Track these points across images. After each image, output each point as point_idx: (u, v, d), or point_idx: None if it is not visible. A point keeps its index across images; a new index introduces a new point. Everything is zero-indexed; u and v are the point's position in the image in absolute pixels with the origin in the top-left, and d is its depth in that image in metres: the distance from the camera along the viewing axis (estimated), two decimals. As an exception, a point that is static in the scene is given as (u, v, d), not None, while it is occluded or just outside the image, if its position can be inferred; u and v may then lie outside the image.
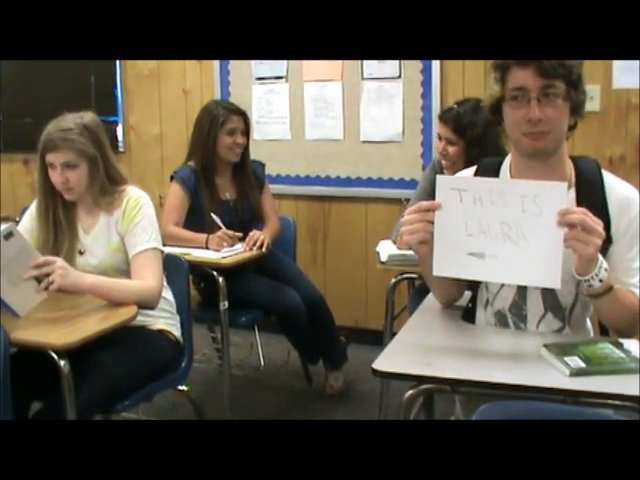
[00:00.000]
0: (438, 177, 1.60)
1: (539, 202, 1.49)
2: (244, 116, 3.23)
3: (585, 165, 1.75)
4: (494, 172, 1.80)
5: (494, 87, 1.68)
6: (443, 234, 1.58)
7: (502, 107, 1.69)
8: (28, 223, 2.34)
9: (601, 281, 1.55)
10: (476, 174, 1.84)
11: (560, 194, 1.50)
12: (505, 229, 1.53)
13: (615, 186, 1.72)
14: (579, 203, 1.69)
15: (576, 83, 1.63)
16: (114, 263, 2.28)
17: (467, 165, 2.00)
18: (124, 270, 2.26)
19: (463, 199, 1.55)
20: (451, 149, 2.78)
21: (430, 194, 1.61)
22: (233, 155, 3.19)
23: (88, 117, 2.27)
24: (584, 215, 1.48)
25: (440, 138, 2.85)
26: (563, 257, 1.50)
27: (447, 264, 1.60)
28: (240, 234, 3.05)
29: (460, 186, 1.56)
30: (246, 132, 3.23)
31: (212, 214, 3.05)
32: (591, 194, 1.70)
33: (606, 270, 1.55)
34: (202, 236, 3.04)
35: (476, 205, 1.54)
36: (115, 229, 2.28)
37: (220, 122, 3.14)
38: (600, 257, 1.54)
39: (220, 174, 3.23)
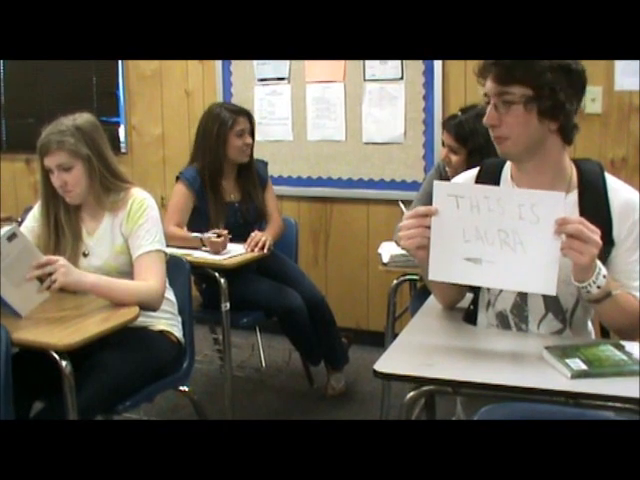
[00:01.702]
0: (435, 183, 1.60)
1: (536, 211, 1.49)
2: (249, 116, 3.24)
3: (588, 168, 1.75)
4: (496, 173, 1.81)
5: (481, 92, 1.71)
6: (440, 239, 1.58)
7: None
8: (30, 223, 2.34)
9: (599, 287, 1.55)
10: (478, 175, 1.84)
11: (558, 203, 1.50)
12: (502, 236, 1.53)
13: (618, 189, 1.71)
14: (581, 206, 1.69)
15: (544, 88, 1.59)
16: (117, 265, 2.28)
17: None
18: (127, 273, 2.26)
19: (460, 205, 1.55)
20: (454, 157, 2.74)
21: (432, 197, 1.61)
22: (244, 156, 3.20)
23: (82, 118, 2.26)
24: (581, 225, 1.48)
25: (444, 145, 2.83)
26: (564, 260, 1.50)
27: (443, 269, 1.59)
28: (226, 231, 3.00)
29: (457, 192, 1.56)
30: (252, 132, 3.24)
31: (192, 233, 3.03)
32: (593, 197, 1.70)
33: (604, 277, 1.54)
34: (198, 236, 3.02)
35: (473, 212, 1.54)
36: (119, 230, 2.28)
37: (229, 125, 3.14)
38: (598, 264, 1.53)
39: (226, 176, 3.22)
